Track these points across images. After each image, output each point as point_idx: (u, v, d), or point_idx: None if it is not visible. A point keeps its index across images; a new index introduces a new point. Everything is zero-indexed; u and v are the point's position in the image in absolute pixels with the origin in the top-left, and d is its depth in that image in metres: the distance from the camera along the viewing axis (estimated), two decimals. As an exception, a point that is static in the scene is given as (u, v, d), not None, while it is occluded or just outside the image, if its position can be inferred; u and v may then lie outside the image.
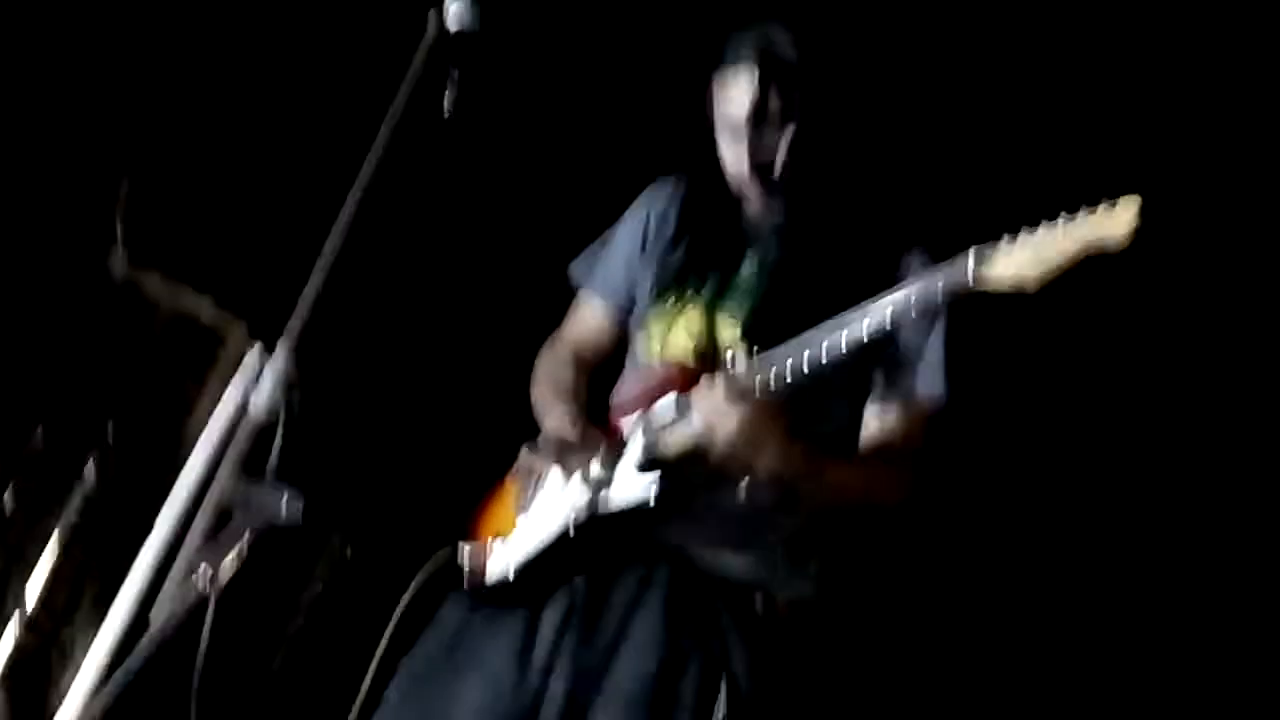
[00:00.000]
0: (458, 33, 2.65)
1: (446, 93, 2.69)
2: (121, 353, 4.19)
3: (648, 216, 3.29)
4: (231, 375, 3.95)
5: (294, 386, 2.59)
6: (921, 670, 4.32)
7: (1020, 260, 2.53)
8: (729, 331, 3.07)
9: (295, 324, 2.61)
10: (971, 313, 2.91)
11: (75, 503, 3.98)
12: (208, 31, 4.32)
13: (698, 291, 3.12)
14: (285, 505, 2.44)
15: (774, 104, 2.97)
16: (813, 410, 2.96)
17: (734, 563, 3.02)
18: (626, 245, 3.33)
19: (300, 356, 2.56)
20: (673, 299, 3.14)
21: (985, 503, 4.31)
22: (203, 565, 2.38)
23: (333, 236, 2.62)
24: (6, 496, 4.06)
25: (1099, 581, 4.35)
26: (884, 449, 3.05)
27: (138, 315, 4.23)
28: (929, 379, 3.04)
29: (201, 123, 4.34)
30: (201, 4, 4.34)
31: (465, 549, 3.19)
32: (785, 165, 3.00)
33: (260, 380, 2.62)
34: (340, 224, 2.60)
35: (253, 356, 2.81)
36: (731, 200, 3.14)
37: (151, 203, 4.22)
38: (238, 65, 4.34)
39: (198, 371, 4.14)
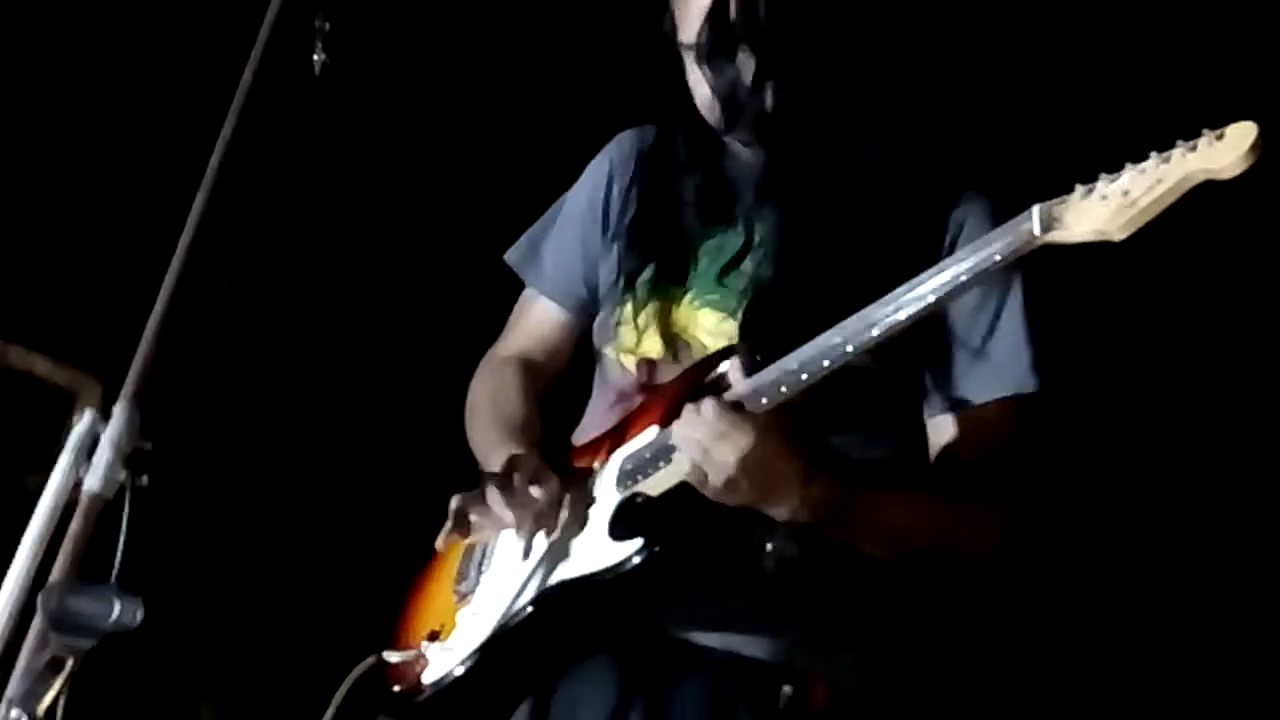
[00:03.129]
0: None
1: (316, 49, 2.29)
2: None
3: (608, 182, 2.73)
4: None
5: (140, 458, 2.15)
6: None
7: (1101, 212, 2.11)
8: (719, 330, 2.52)
9: (134, 376, 2.16)
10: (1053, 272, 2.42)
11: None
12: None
13: (680, 278, 2.57)
14: (118, 611, 1.97)
15: (735, 18, 2.44)
16: (849, 429, 2.45)
17: (750, 643, 2.45)
18: (580, 223, 2.76)
19: (146, 417, 2.16)
20: (647, 291, 2.58)
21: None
22: (12, 710, 1.94)
23: (177, 255, 2.15)
24: None
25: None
26: (958, 472, 2.47)
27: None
28: (1009, 366, 2.49)
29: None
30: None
31: (391, 658, 2.55)
32: (758, 98, 2.46)
33: (95, 453, 2.15)
34: (185, 236, 2.15)
35: (82, 424, 2.19)
36: (715, 151, 2.61)
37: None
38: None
39: (43, 446, 3.69)
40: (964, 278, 2.19)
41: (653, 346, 2.57)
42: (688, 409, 2.28)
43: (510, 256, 2.83)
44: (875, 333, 2.22)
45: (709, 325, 2.53)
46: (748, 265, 2.53)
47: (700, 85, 2.52)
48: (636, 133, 2.75)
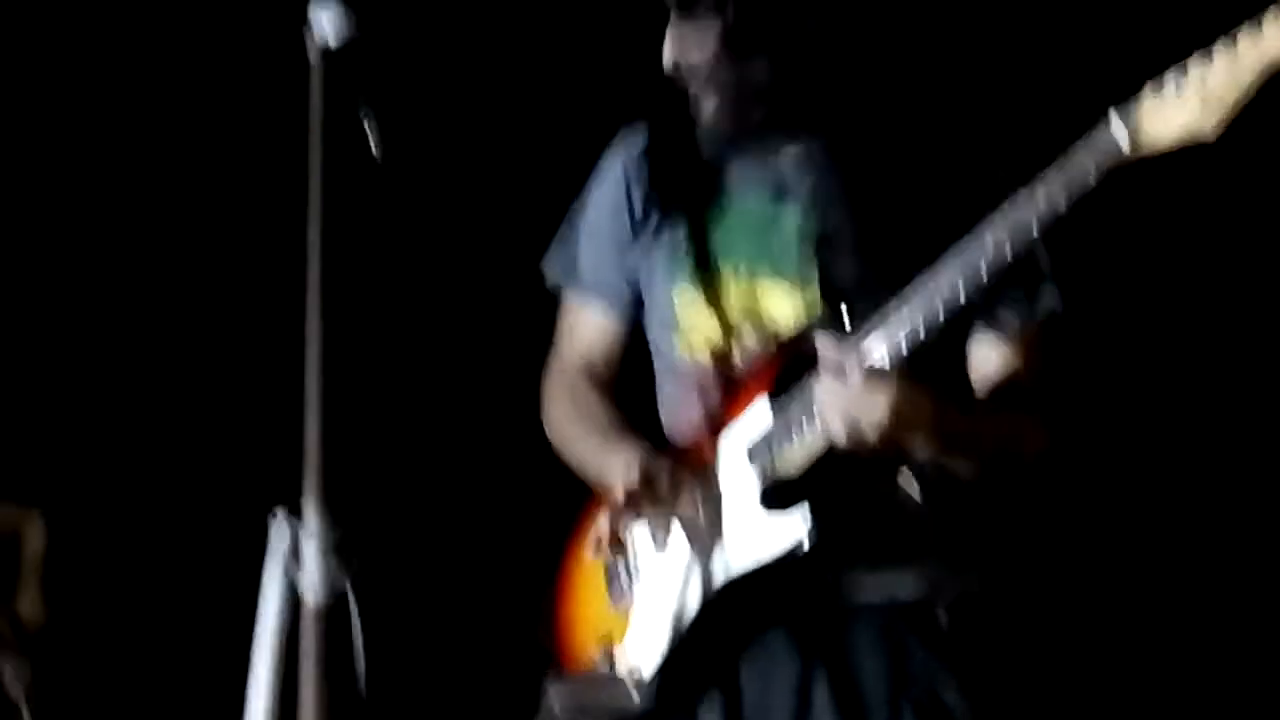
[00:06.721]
0: (343, 47, 2.29)
1: (370, 135, 2.34)
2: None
3: (625, 179, 2.73)
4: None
5: (348, 548, 2.21)
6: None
7: (1185, 108, 2.13)
8: (789, 301, 2.56)
9: (312, 472, 2.22)
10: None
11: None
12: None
13: (719, 261, 2.60)
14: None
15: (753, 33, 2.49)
16: (937, 363, 2.49)
17: (904, 583, 2.54)
18: (608, 224, 2.75)
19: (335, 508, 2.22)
20: (693, 277, 2.62)
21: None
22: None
23: (310, 360, 2.25)
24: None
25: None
26: (1016, 388, 2.56)
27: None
28: (1043, 290, 2.55)
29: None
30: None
31: (559, 686, 2.65)
32: (778, 95, 2.52)
33: (301, 557, 2.23)
34: (312, 343, 2.26)
35: (278, 530, 2.24)
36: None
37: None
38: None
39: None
40: (1063, 194, 2.21)
41: (718, 330, 2.60)
42: (825, 377, 2.35)
43: (548, 269, 2.81)
44: (983, 275, 2.28)
45: (776, 298, 2.57)
46: (798, 236, 2.55)
47: (710, 99, 2.53)
48: (634, 131, 2.75)
